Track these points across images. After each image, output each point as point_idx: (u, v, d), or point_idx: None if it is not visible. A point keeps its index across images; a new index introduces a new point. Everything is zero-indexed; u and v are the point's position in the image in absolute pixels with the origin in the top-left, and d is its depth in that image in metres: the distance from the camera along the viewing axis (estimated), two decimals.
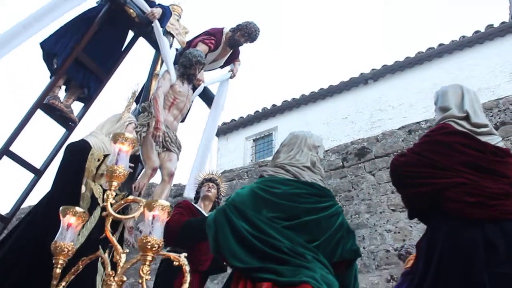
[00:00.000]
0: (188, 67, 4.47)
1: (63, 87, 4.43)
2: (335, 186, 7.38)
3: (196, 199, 4.44)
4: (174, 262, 2.27)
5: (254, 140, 12.64)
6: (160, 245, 2.32)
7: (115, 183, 2.54)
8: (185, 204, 4.17)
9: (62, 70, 4.18)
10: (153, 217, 2.37)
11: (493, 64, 9.58)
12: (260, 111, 12.67)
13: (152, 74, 4.63)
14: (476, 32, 10.06)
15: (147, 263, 2.21)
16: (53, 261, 2.48)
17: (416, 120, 8.25)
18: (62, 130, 4.47)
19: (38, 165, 4.26)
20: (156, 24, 4.44)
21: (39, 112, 4.20)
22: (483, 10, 27.88)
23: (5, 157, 4.01)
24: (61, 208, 2.61)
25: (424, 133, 7.09)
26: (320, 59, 31.57)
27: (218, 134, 12.08)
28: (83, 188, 2.97)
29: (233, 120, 12.78)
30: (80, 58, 4.30)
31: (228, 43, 5.17)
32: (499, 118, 6.47)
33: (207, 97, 5.45)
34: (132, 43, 4.79)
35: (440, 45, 10.38)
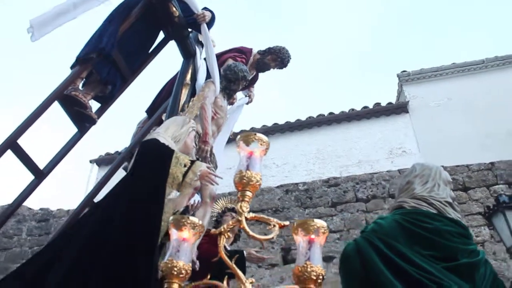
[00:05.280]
0: (233, 81, 4.03)
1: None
2: None
3: (216, 228, 3.92)
4: None
5: None
6: (324, 275, 1.86)
7: (249, 193, 2.03)
8: (211, 234, 3.64)
9: (93, 60, 3.57)
10: (310, 241, 1.91)
11: (376, 140, 9.96)
12: None
13: (182, 83, 4.09)
14: (365, 107, 10.49)
15: None
16: (165, 286, 1.90)
17: (296, 181, 8.25)
18: (71, 130, 3.79)
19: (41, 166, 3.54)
20: (205, 28, 3.95)
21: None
22: (374, 87, 30.28)
23: (9, 151, 3.28)
24: (172, 218, 2.04)
25: (300, 194, 7.18)
26: None
27: (99, 164, 11.41)
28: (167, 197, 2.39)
29: (116, 152, 11.98)
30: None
31: (256, 65, 4.78)
32: (371, 191, 6.59)
33: None
34: (162, 45, 4.23)
35: (330, 113, 10.65)
